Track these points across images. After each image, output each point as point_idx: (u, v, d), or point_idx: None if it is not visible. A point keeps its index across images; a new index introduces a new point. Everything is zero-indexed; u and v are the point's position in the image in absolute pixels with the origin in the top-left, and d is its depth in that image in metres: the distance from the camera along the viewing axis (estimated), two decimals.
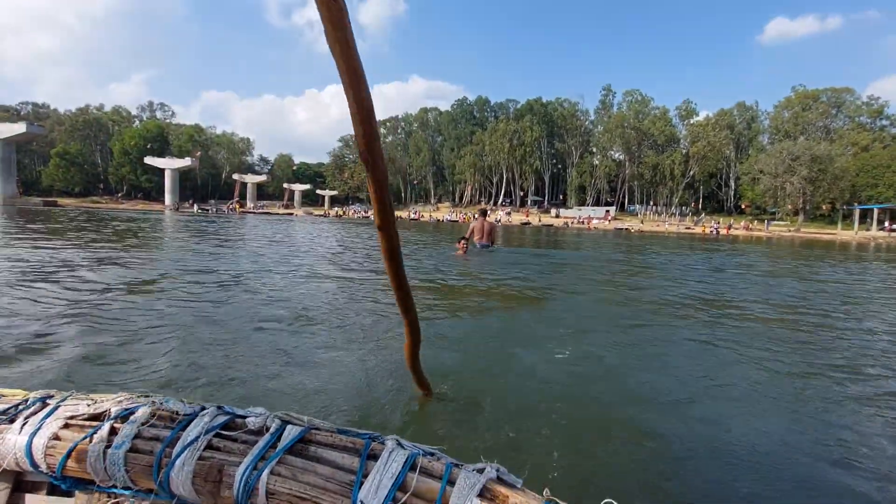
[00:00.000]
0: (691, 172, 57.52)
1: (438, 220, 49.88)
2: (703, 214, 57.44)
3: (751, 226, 44.19)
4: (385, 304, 4.42)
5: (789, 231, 40.27)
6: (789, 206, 44.60)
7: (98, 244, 9.79)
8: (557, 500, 0.64)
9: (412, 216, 56.85)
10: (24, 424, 0.90)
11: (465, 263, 8.14)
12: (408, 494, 0.67)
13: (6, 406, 0.95)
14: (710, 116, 60.01)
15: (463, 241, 9.26)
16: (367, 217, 54.99)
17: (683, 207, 60.57)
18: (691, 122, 61.34)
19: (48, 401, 0.95)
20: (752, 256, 14.30)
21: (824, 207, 45.48)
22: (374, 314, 4.04)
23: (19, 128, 44.32)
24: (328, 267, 7.46)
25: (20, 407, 0.94)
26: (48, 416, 0.91)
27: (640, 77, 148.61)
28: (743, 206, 57.70)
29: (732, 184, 59.13)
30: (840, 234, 37.63)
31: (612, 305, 5.20)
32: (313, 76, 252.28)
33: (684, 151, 58.91)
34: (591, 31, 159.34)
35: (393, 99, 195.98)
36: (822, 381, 2.82)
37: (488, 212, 10.34)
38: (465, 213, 57.04)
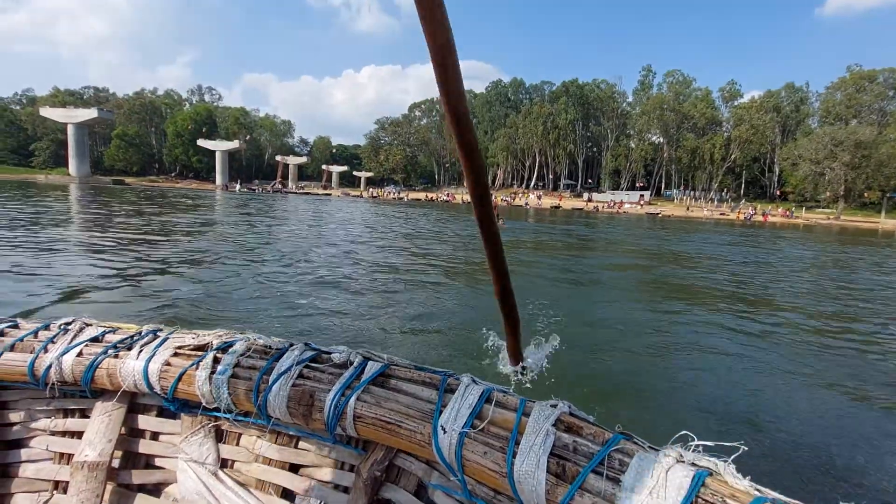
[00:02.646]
0: (732, 157, 55.88)
1: (469, 202, 51.09)
2: (742, 200, 55.94)
3: (788, 212, 43.07)
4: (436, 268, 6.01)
5: (828, 219, 39.15)
6: (828, 194, 43.05)
7: (215, 215, 12.04)
8: (631, 433, 0.65)
9: (444, 198, 58.33)
10: (140, 352, 1.04)
11: (502, 230, 12.21)
12: (485, 422, 0.71)
13: (123, 336, 1.09)
14: (755, 98, 57.68)
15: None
16: (401, 198, 56.99)
17: (723, 192, 59.04)
18: (735, 104, 59.14)
19: (158, 333, 1.09)
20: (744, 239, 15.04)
21: (867, 195, 43.55)
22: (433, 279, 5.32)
23: (91, 113, 48.67)
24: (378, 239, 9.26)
25: (135, 338, 1.09)
26: (160, 345, 1.04)
27: (685, 56, 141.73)
28: (778, 192, 55.70)
29: (776, 169, 57.03)
30: (883, 222, 36.28)
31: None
32: (350, 56, 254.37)
33: (726, 135, 57.12)
34: (634, 6, 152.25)
35: (429, 80, 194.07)
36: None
37: (494, 196, 15.34)
38: (497, 197, 57.99)
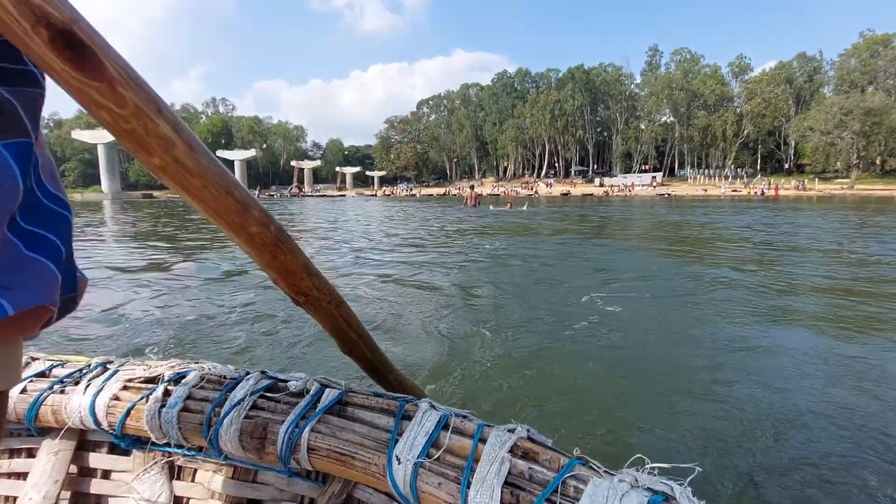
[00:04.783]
0: (745, 132, 55.28)
1: (479, 195, 52.05)
2: (758, 175, 55.32)
3: (800, 184, 42.66)
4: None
5: (842, 189, 38.69)
6: (839, 164, 42.49)
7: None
8: (588, 458, 0.63)
9: (455, 191, 59.39)
10: (87, 386, 0.98)
11: (509, 213, 15.39)
12: (441, 451, 0.68)
13: (72, 370, 1.04)
14: (766, 71, 56.82)
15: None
16: (413, 195, 58.18)
17: (738, 169, 58.43)
18: (745, 77, 58.37)
19: (108, 366, 1.04)
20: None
21: (879, 162, 42.80)
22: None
23: None
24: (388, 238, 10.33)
25: (84, 371, 1.03)
26: (109, 378, 0.99)
27: (693, 32, 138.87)
28: (788, 165, 54.91)
29: (791, 142, 56.20)
30: None
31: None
32: (356, 57, 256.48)
33: (738, 110, 56.47)
34: None
35: (436, 74, 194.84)
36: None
37: (475, 186, 19.00)
38: (509, 188, 58.65)
